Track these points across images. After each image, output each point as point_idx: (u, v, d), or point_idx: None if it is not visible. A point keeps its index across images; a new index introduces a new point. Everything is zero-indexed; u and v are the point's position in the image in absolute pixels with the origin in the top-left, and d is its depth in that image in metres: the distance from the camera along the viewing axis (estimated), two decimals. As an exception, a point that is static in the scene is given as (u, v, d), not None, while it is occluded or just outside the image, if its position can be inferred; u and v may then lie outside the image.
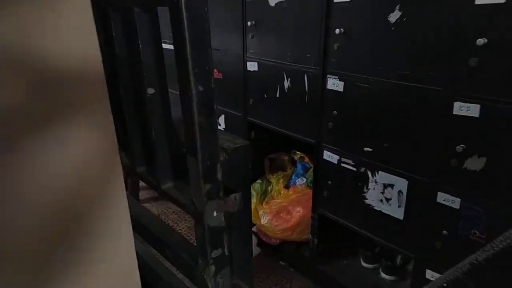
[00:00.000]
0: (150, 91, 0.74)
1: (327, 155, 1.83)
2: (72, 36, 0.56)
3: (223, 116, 2.36)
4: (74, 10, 0.55)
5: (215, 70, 2.33)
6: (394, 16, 1.46)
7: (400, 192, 1.60)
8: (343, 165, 1.78)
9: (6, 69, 0.52)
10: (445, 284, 0.95)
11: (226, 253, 0.77)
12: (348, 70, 1.65)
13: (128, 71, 0.76)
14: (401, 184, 1.59)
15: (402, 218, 1.62)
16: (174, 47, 0.60)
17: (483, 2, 1.19)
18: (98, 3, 0.65)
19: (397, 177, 1.59)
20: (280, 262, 2.21)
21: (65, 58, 0.55)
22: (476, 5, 1.20)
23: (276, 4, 1.89)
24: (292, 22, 1.83)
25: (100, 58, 0.57)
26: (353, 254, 2.08)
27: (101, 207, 0.63)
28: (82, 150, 0.58)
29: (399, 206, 1.61)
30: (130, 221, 0.67)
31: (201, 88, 0.62)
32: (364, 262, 2.03)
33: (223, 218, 0.73)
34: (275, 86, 1.99)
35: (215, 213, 0.72)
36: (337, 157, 1.79)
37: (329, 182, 1.86)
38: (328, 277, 2.01)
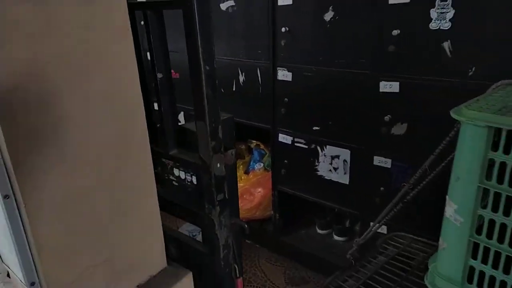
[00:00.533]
0: (159, 75, 0.95)
1: (282, 137, 2.11)
2: (112, 34, 0.76)
3: (182, 113, 2.55)
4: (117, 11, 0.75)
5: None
6: (328, 16, 1.78)
7: (344, 161, 1.93)
8: (296, 144, 2.07)
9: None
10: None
11: (227, 197, 1.00)
12: (294, 62, 1.95)
13: (144, 60, 0.95)
14: (345, 154, 1.91)
15: (347, 183, 1.94)
16: (186, 38, 0.83)
17: (394, 2, 1.55)
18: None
19: (341, 148, 1.91)
20: (246, 240, 2.44)
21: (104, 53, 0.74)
22: (389, 4, 1.56)
23: (226, 8, 2.14)
24: (244, 23, 2.09)
25: (134, 52, 0.78)
26: (309, 223, 2.38)
27: (136, 181, 0.83)
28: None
29: (345, 173, 1.94)
30: (155, 187, 0.87)
31: (208, 68, 0.85)
32: (319, 229, 2.34)
33: (224, 168, 0.96)
34: (231, 81, 2.23)
35: (218, 165, 0.95)
36: (291, 138, 2.08)
37: (285, 161, 2.14)
38: (290, 246, 2.29)
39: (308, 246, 2.26)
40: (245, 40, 2.11)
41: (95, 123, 0.76)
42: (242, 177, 2.45)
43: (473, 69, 1.44)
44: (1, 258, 0.88)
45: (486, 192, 0.78)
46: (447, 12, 1.43)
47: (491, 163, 0.76)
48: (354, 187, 1.93)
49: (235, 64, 2.18)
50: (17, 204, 0.71)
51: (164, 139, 1.00)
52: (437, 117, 1.51)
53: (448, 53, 1.48)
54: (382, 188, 1.82)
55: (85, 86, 0.73)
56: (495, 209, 0.78)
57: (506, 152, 0.73)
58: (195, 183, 1.03)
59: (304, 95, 1.96)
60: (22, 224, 0.72)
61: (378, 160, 1.80)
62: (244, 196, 2.35)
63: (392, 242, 1.76)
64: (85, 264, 0.81)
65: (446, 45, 1.48)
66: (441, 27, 1.46)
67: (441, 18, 1.45)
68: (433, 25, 1.48)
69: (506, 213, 0.76)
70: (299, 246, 2.27)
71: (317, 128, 1.96)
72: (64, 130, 0.72)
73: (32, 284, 0.77)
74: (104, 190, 0.80)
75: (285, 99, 2.03)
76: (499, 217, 0.77)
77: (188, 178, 1.03)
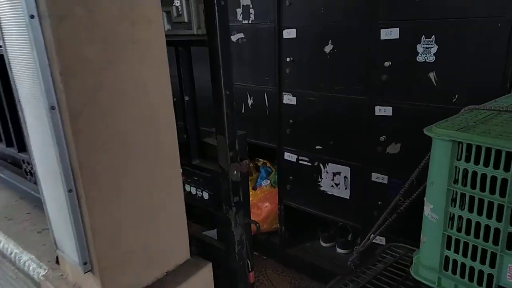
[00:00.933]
0: (186, 98, 1.16)
1: (287, 156, 2.31)
2: (154, 66, 0.97)
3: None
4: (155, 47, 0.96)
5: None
6: (328, 48, 2.01)
7: (345, 177, 2.10)
8: (300, 162, 2.26)
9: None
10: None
11: (241, 200, 1.18)
12: (298, 88, 2.17)
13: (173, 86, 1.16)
14: (345, 171, 2.09)
15: (348, 197, 2.12)
16: (211, 69, 1.04)
17: (385, 38, 1.77)
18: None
19: (342, 166, 2.10)
20: (254, 252, 2.59)
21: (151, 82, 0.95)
22: (381, 40, 1.78)
23: (237, 40, 2.38)
24: (252, 53, 2.33)
25: (169, 80, 0.99)
26: (314, 237, 2.53)
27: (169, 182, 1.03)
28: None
29: (346, 188, 2.12)
30: (182, 191, 1.07)
31: (227, 92, 1.06)
32: (323, 242, 2.49)
33: (239, 175, 1.15)
34: (241, 104, 2.45)
35: (235, 172, 1.14)
36: (296, 156, 2.27)
37: (291, 177, 2.33)
38: (295, 258, 2.44)
39: (312, 257, 2.40)
40: (253, 68, 2.34)
41: (141, 136, 0.96)
42: (250, 193, 2.63)
43: (456, 96, 1.65)
44: (56, 245, 1.06)
45: (455, 193, 0.96)
46: (431, 47, 1.65)
47: (457, 170, 0.94)
48: (354, 201, 2.09)
49: (244, 89, 2.40)
50: (78, 197, 0.89)
51: (188, 151, 1.20)
52: (427, 137, 1.69)
53: (434, 82, 1.69)
54: (380, 202, 1.99)
55: (133, 107, 0.94)
56: (462, 207, 0.95)
57: (467, 160, 0.92)
58: (209, 193, 1.23)
59: (307, 117, 2.17)
60: (81, 214, 0.90)
61: (375, 177, 1.98)
62: (252, 210, 2.51)
63: (390, 252, 1.91)
64: (126, 249, 0.98)
65: (432, 75, 1.69)
66: (427, 60, 1.68)
67: (426, 52, 1.66)
68: (420, 58, 1.69)
69: (470, 210, 0.94)
70: (304, 258, 2.41)
71: (319, 147, 2.16)
72: (117, 140, 0.91)
73: (85, 263, 0.94)
74: (144, 190, 0.99)
75: (290, 120, 2.24)
76: (465, 214, 0.95)
77: (199, 193, 1.24)
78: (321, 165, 2.18)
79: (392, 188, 1.95)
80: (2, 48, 0.93)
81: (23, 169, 1.57)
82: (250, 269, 1.25)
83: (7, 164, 1.79)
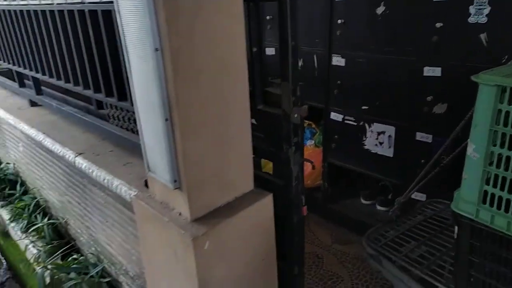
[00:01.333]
0: (254, 49, 1.32)
1: (334, 115, 2.44)
2: (235, 21, 1.13)
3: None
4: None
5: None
6: (380, 10, 2.08)
7: (389, 136, 2.21)
8: (346, 121, 2.38)
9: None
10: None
11: (300, 141, 1.35)
12: (348, 50, 2.26)
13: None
14: (390, 130, 2.20)
15: (392, 156, 2.23)
16: (279, 22, 1.19)
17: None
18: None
19: (387, 125, 2.20)
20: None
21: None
22: (433, 1, 1.83)
23: (290, 4, 2.49)
24: (305, 15, 2.43)
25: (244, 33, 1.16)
26: (354, 194, 2.68)
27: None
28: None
29: (389, 147, 2.23)
30: (250, 129, 1.25)
31: (293, 43, 1.21)
32: (363, 199, 2.63)
33: (299, 118, 1.32)
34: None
35: (296, 115, 1.30)
36: (341, 116, 2.40)
37: (336, 136, 2.46)
38: (337, 213, 2.61)
39: (353, 213, 2.56)
40: (304, 30, 2.45)
41: (223, 75, 1.14)
42: (296, 152, 2.79)
43: (506, 57, 1.69)
44: (148, 168, 1.28)
45: (496, 133, 1.08)
46: (484, 8, 1.69)
47: (500, 113, 1.05)
48: (398, 160, 2.21)
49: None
50: (172, 125, 1.10)
51: (254, 97, 1.38)
52: (474, 97, 1.76)
53: (485, 43, 1.74)
54: (423, 161, 2.09)
55: (217, 51, 1.12)
56: (502, 146, 1.07)
57: (509, 103, 1.03)
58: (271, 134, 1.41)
59: (355, 79, 2.27)
60: (174, 139, 1.11)
61: (420, 136, 2.08)
62: (297, 168, 2.69)
63: (430, 207, 2.04)
64: (207, 173, 1.19)
65: (483, 36, 1.73)
66: (479, 21, 1.72)
67: (478, 13, 1.71)
68: (471, 19, 1.74)
69: (510, 148, 1.05)
70: (345, 213, 2.58)
71: (365, 107, 2.27)
72: (205, 78, 1.10)
73: (175, 181, 1.16)
74: (223, 124, 1.18)
75: (338, 81, 2.35)
76: (505, 152, 1.06)
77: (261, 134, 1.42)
78: (366, 125, 2.29)
79: (436, 147, 2.04)
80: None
81: (107, 113, 1.82)
82: (303, 204, 1.44)
83: (91, 109, 2.06)
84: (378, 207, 2.57)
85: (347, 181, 2.65)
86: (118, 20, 1.13)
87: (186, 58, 1.06)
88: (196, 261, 1.13)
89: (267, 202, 1.35)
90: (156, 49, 1.03)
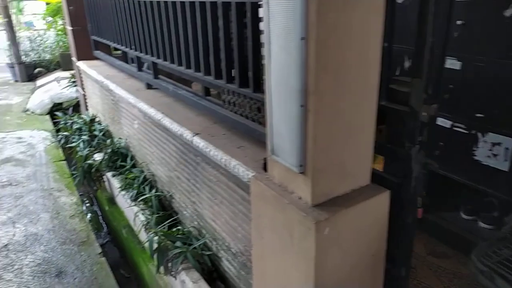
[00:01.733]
0: (385, 44, 1.33)
1: (441, 121, 2.32)
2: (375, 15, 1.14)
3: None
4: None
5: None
6: (509, 12, 1.93)
7: (506, 148, 2.05)
8: (455, 128, 2.26)
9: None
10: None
11: (424, 140, 1.32)
12: (466, 53, 2.14)
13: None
14: (508, 142, 2.04)
15: (507, 170, 2.06)
16: (419, 19, 1.18)
17: None
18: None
19: (504, 136, 2.04)
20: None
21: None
22: None
23: (403, 1, 2.41)
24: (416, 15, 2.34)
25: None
26: (454, 207, 2.52)
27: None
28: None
29: (505, 160, 2.06)
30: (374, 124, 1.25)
31: (430, 40, 1.19)
32: (463, 214, 2.47)
33: (427, 117, 1.28)
34: (395, 67, 2.51)
35: (424, 113, 1.27)
36: (450, 122, 2.27)
37: (441, 143, 2.34)
38: (432, 223, 2.47)
39: (451, 226, 2.41)
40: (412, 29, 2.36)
41: (357, 68, 1.17)
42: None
43: None
44: (272, 151, 1.35)
45: None
46: None
47: None
48: (513, 174, 2.04)
49: (402, 50, 2.44)
50: (306, 112, 1.15)
51: (379, 93, 1.37)
52: None
53: None
54: (543, 178, 1.91)
55: (355, 43, 1.14)
56: None
57: None
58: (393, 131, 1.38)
59: (471, 83, 2.14)
60: (306, 124, 1.16)
61: (544, 151, 1.90)
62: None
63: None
64: (333, 160, 1.23)
65: None
66: None
67: None
68: None
69: None
70: (442, 225, 2.44)
71: (480, 115, 2.12)
72: (341, 68, 1.14)
73: (301, 165, 1.21)
74: (351, 115, 1.21)
75: (450, 85, 2.23)
76: None
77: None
78: (479, 134, 2.15)
79: None
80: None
81: (223, 99, 1.95)
82: (420, 205, 1.40)
83: (200, 95, 2.21)
84: (481, 224, 2.39)
85: (447, 191, 2.51)
86: (265, 10, 1.21)
87: (329, 48, 1.10)
88: (316, 244, 1.17)
89: (383, 199, 1.34)
90: (302, 38, 1.09)
